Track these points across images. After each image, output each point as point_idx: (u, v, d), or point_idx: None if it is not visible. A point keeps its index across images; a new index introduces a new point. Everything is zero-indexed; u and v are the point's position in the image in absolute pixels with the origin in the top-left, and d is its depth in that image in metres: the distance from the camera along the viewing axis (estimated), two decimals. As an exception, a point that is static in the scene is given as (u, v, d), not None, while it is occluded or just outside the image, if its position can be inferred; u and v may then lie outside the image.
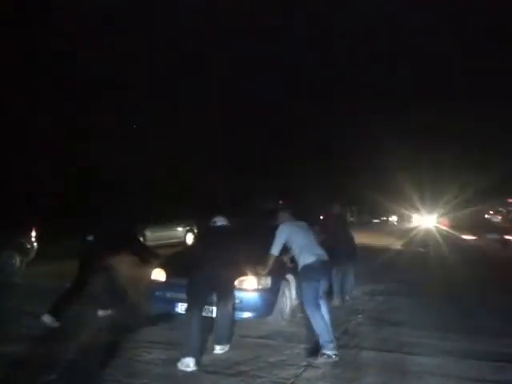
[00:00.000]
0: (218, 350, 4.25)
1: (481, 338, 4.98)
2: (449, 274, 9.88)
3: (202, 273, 4.22)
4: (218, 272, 4.24)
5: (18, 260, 8.08)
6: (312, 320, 4.37)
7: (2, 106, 14.50)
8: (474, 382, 3.72)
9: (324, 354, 4.16)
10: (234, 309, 4.54)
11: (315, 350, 4.29)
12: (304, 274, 4.51)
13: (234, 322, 4.55)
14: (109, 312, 5.36)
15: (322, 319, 4.34)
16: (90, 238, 5.30)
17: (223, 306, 4.33)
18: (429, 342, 4.78)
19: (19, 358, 4.01)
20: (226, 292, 4.38)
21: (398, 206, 35.89)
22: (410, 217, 45.74)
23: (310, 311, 4.39)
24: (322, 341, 4.23)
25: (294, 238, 4.65)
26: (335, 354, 4.16)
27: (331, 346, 4.19)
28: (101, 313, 5.34)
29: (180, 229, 15.03)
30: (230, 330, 4.38)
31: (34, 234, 8.56)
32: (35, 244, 8.55)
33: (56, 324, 4.80)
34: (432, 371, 3.94)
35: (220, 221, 4.69)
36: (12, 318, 5.27)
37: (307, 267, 4.47)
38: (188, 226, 15.14)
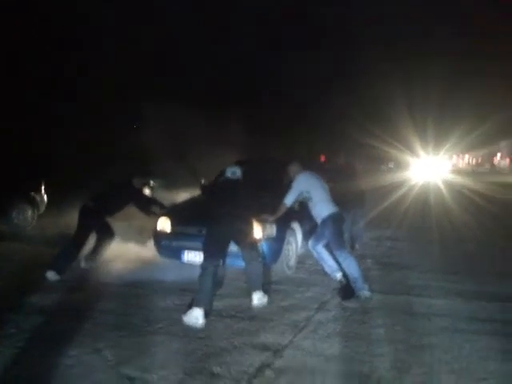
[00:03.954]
0: (256, 301, 4.15)
1: (489, 279, 5.02)
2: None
3: (220, 227, 4.17)
4: (237, 226, 4.21)
5: (29, 212, 8.20)
6: (347, 265, 4.50)
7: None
8: (484, 322, 3.78)
9: (362, 296, 4.32)
10: (262, 258, 4.47)
11: (348, 293, 4.43)
12: (332, 223, 4.60)
13: (263, 271, 4.47)
14: (92, 264, 5.41)
15: (356, 263, 4.49)
16: (91, 202, 5.32)
17: (250, 258, 4.29)
18: (437, 285, 4.84)
19: (41, 306, 4.14)
20: (248, 244, 4.32)
21: (396, 152, 32.23)
22: (408, 164, 35.79)
23: (344, 257, 4.52)
24: (358, 284, 4.37)
25: (315, 189, 4.69)
26: (370, 296, 4.33)
27: (367, 287, 4.38)
28: (83, 264, 5.38)
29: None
30: (261, 278, 4.30)
31: (43, 187, 8.62)
32: (45, 197, 8.63)
33: (57, 277, 4.88)
34: (441, 313, 4.01)
35: (234, 173, 4.58)
36: (27, 269, 5.37)
37: (333, 217, 4.61)
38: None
